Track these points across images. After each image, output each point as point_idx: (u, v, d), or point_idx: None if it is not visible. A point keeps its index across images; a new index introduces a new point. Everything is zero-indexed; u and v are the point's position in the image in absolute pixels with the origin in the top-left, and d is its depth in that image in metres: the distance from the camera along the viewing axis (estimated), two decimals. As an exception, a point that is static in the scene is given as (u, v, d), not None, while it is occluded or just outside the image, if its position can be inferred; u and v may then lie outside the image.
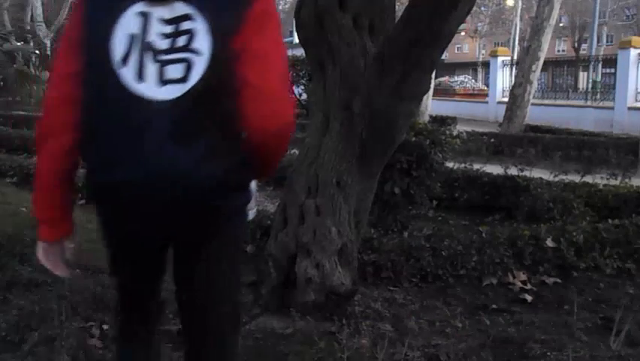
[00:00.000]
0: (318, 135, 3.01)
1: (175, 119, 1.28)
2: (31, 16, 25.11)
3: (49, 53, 9.53)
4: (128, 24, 1.30)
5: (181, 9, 1.30)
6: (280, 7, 49.73)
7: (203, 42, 1.29)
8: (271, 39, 1.36)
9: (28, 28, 20.31)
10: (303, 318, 2.76)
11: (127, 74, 1.29)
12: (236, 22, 1.30)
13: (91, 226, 5.44)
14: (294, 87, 15.33)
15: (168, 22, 1.30)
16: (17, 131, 10.74)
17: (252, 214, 1.82)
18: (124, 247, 1.53)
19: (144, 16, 1.30)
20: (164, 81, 1.29)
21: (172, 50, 1.29)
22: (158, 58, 1.29)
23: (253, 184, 1.63)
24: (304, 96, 15.22)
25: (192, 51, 1.29)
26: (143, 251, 1.51)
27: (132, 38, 1.30)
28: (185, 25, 1.30)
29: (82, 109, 1.35)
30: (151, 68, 1.29)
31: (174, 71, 1.29)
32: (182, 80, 1.28)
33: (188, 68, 1.28)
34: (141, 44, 1.30)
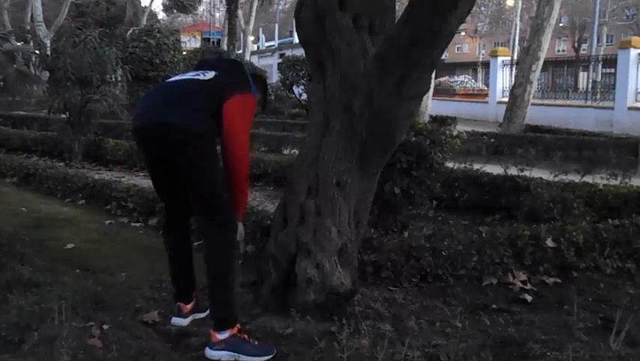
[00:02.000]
0: (318, 135, 3.01)
1: (172, 88, 2.72)
2: (31, 16, 25.13)
3: (49, 53, 9.51)
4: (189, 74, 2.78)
5: (208, 70, 2.73)
6: (280, 7, 49.80)
7: (208, 75, 2.68)
8: (240, 115, 2.61)
9: (28, 28, 20.31)
10: (303, 318, 2.76)
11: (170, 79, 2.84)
12: (221, 91, 2.62)
13: (91, 225, 5.44)
14: (294, 87, 15.35)
15: (202, 71, 2.73)
16: (17, 131, 10.75)
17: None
18: (148, 161, 2.79)
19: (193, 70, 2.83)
20: (181, 75, 2.79)
21: (194, 72, 2.73)
22: (186, 73, 2.81)
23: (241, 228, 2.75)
24: (304, 96, 15.24)
25: (202, 75, 2.69)
26: (156, 165, 2.71)
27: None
28: (207, 72, 2.71)
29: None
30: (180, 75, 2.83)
31: (188, 75, 2.73)
32: (189, 76, 2.72)
33: (196, 75, 2.70)
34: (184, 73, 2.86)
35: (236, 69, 2.80)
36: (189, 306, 2.81)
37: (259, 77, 3.03)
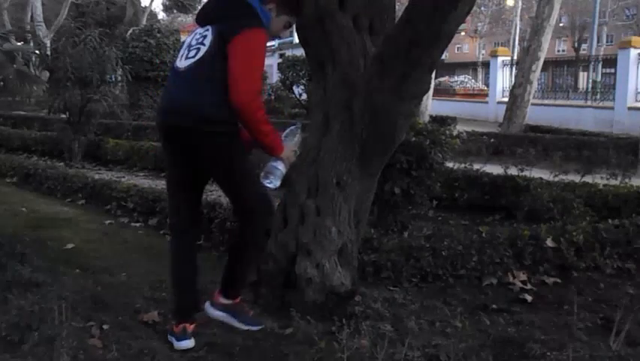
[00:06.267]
0: (318, 135, 3.01)
1: (185, 77, 2.51)
2: (31, 16, 25.13)
3: (49, 53, 9.51)
4: (189, 39, 2.61)
5: (206, 29, 2.54)
6: (280, 7, 49.66)
7: (207, 41, 2.50)
8: (242, 58, 2.42)
9: (28, 28, 20.31)
10: (303, 318, 2.75)
11: (177, 61, 2.59)
12: (224, 42, 2.44)
13: (91, 225, 5.44)
14: (294, 87, 15.36)
15: (201, 34, 2.55)
16: (17, 131, 10.76)
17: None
18: (166, 156, 2.73)
19: (194, 33, 2.60)
20: (187, 58, 2.53)
21: (195, 44, 2.53)
22: (189, 49, 2.54)
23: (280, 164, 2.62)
24: (304, 96, 15.23)
25: (202, 44, 2.51)
26: (172, 153, 2.63)
27: (186, 44, 2.60)
28: (205, 34, 2.53)
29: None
30: (184, 54, 2.56)
31: (192, 53, 2.51)
32: (194, 57, 2.50)
33: (198, 51, 2.50)
34: (187, 46, 2.58)
35: (235, 9, 2.52)
36: (192, 327, 2.61)
37: None
